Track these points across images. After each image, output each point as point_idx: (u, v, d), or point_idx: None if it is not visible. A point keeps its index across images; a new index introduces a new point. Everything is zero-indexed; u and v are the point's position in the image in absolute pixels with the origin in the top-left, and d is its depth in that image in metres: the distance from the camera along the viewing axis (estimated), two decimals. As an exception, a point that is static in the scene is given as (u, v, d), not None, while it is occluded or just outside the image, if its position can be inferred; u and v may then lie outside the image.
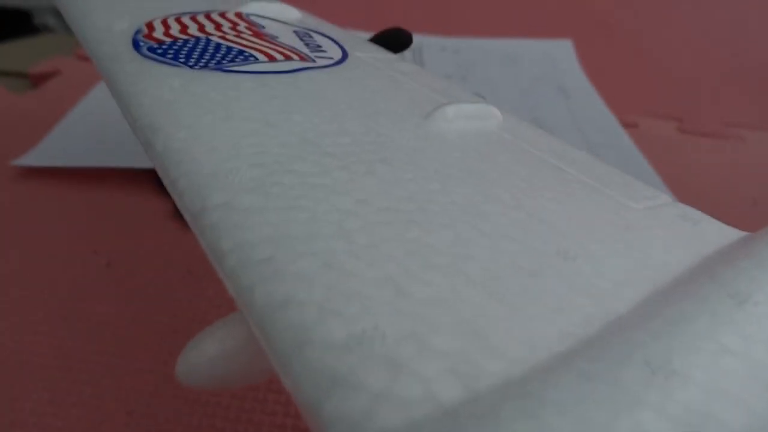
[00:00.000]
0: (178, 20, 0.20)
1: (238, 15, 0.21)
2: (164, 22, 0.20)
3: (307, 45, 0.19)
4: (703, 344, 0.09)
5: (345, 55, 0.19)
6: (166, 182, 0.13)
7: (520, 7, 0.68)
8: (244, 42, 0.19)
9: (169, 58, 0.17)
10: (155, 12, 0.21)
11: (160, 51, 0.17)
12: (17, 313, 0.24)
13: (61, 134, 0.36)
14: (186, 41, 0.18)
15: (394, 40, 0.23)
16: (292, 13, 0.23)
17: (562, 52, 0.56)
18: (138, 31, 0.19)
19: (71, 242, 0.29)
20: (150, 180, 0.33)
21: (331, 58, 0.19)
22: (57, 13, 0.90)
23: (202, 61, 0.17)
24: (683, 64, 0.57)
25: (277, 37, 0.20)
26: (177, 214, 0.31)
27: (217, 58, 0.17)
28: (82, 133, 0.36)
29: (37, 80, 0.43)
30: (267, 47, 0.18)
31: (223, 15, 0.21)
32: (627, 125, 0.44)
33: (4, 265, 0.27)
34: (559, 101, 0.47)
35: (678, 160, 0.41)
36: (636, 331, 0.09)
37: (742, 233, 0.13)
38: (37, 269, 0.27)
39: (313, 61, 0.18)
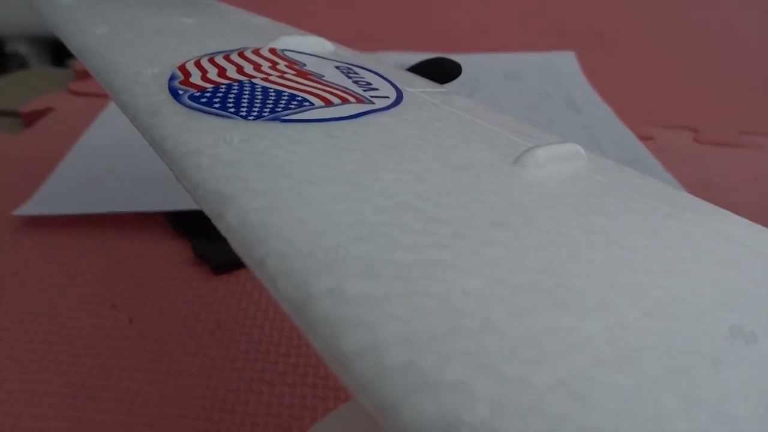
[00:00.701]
0: (212, 61, 0.18)
1: (273, 51, 0.20)
2: (198, 65, 0.18)
3: (356, 83, 0.18)
4: None
5: (399, 93, 0.18)
6: (247, 261, 0.11)
7: (519, 20, 0.68)
8: (292, 84, 0.17)
9: (216, 108, 0.15)
10: (185, 53, 0.19)
11: (204, 100, 0.16)
12: (34, 389, 0.22)
13: (61, 178, 0.34)
14: (229, 86, 0.16)
15: (440, 70, 0.21)
16: (326, 46, 0.22)
17: (565, 64, 0.55)
18: (173, 77, 0.17)
19: (86, 298, 0.26)
20: (162, 223, 0.31)
21: (387, 97, 0.17)
22: (30, 41, 0.88)
23: (254, 110, 0.15)
24: (690, 73, 0.56)
25: (323, 76, 0.18)
26: (198, 259, 0.29)
27: (269, 106, 0.15)
28: (83, 177, 0.34)
29: (30, 119, 0.41)
30: (318, 89, 0.17)
31: (257, 52, 0.19)
32: (643, 138, 0.44)
33: (17, 329, 0.25)
34: (571, 116, 0.46)
35: (698, 172, 0.41)
36: None
37: None
38: (53, 333, 0.25)
39: (371, 102, 0.16)
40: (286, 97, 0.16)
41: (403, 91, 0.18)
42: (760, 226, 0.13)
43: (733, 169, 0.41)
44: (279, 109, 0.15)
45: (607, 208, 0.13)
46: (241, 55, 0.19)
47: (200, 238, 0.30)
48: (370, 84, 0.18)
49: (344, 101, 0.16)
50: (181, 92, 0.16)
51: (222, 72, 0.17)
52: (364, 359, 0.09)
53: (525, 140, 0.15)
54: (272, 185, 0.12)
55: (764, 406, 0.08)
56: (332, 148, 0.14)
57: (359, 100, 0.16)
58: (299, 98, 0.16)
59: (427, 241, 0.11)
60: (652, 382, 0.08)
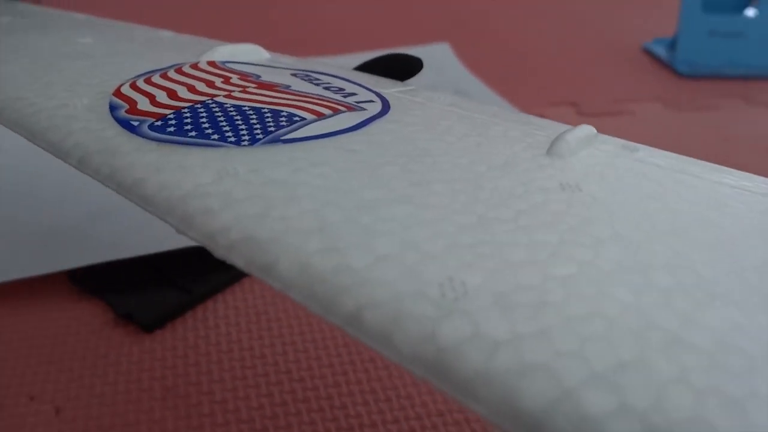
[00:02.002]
0: (150, 83, 0.15)
1: (212, 64, 0.17)
2: (137, 88, 0.15)
3: (329, 90, 0.16)
4: None
5: (381, 97, 0.16)
6: (330, 318, 0.09)
7: (383, 17, 0.68)
8: (266, 99, 0.14)
9: (193, 137, 0.12)
10: (109, 77, 0.15)
11: (171, 129, 0.13)
12: None
13: None
14: (193, 109, 0.14)
15: (400, 67, 0.20)
16: (262, 54, 0.19)
17: (443, 55, 0.55)
18: (114, 107, 0.14)
19: (-10, 393, 0.21)
20: (63, 284, 0.26)
21: (373, 102, 0.15)
22: None
23: (243, 133, 0.13)
24: (559, 52, 0.60)
25: (290, 86, 0.16)
26: (121, 319, 0.25)
27: (259, 127, 0.13)
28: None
29: None
30: (299, 101, 0.14)
31: (196, 67, 0.17)
32: (534, 118, 0.45)
33: None
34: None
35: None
36: None
37: None
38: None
39: (362, 109, 0.14)
40: (269, 115, 0.13)
41: (381, 93, 0.16)
42: None
43: (615, 134, 0.44)
44: (272, 129, 0.13)
45: (653, 187, 0.12)
46: (180, 71, 0.16)
47: (117, 293, 0.26)
48: (344, 90, 0.16)
49: (335, 111, 0.14)
50: (135, 123, 0.13)
51: (173, 94, 0.14)
52: (555, 412, 0.07)
53: (536, 129, 0.14)
54: (320, 219, 0.10)
55: None
56: (361, 164, 0.12)
57: (349, 108, 0.14)
58: (285, 114, 0.14)
59: (541, 254, 0.09)
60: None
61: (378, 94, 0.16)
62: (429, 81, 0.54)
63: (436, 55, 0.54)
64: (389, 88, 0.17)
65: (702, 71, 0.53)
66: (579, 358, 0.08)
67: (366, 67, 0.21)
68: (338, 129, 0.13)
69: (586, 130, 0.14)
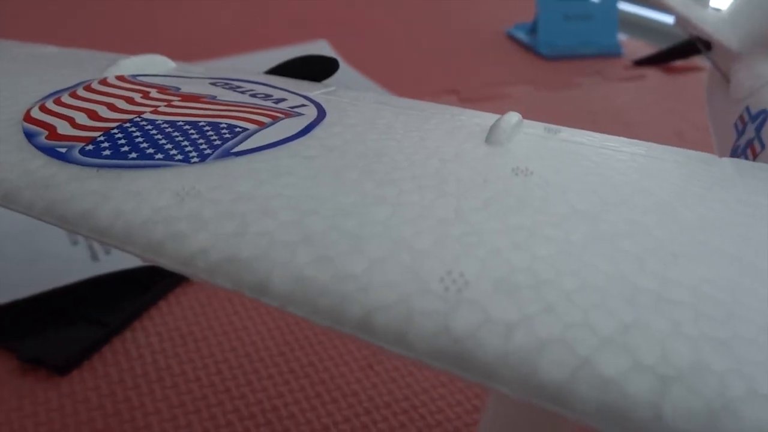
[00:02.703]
0: (61, 103, 0.14)
1: (122, 78, 0.16)
2: (49, 111, 0.13)
3: (256, 96, 0.15)
4: None
5: (312, 100, 0.16)
6: (337, 327, 0.09)
7: (257, 18, 0.66)
8: (197, 112, 0.14)
9: (134, 159, 0.12)
10: (9, 102, 0.14)
11: (107, 152, 0.12)
12: None
13: None
14: (123, 129, 0.13)
15: (315, 69, 0.20)
16: (168, 63, 0.18)
17: (321, 52, 0.55)
18: (31, 134, 0.12)
19: None
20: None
21: (306, 105, 0.15)
22: None
23: (188, 150, 0.12)
24: (435, 41, 0.62)
25: (215, 97, 0.15)
26: (28, 364, 0.22)
27: (202, 142, 0.12)
28: None
29: None
30: (233, 112, 0.14)
31: (105, 83, 0.15)
32: (421, 108, 0.47)
33: None
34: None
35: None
36: None
37: None
38: None
39: (299, 114, 0.14)
40: (208, 128, 0.13)
41: (310, 97, 0.16)
42: None
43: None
44: (218, 143, 0.12)
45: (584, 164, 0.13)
46: (90, 89, 0.15)
47: (19, 337, 0.23)
48: (272, 96, 0.16)
49: (275, 119, 0.14)
50: (63, 150, 0.12)
51: (93, 114, 0.13)
52: (577, 380, 0.08)
53: (465, 120, 0.15)
54: (303, 230, 0.10)
55: None
56: (323, 170, 0.12)
57: (286, 114, 0.14)
58: (224, 125, 0.13)
59: (521, 237, 0.10)
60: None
61: (307, 98, 0.16)
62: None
63: (315, 53, 0.54)
64: (312, 90, 0.17)
65: (561, 52, 0.58)
66: (586, 327, 0.08)
67: (279, 71, 0.20)
68: (285, 137, 0.13)
69: (515, 117, 0.15)
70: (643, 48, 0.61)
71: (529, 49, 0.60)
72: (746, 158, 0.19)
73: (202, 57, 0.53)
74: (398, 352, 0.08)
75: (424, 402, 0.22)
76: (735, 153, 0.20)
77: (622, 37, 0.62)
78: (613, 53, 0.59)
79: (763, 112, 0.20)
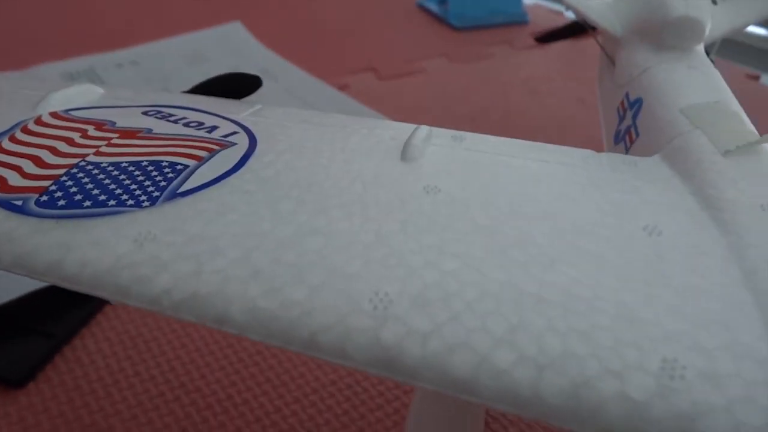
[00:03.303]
0: (3, 151, 0.15)
1: (56, 116, 0.17)
2: (-6, 161, 0.14)
3: (189, 126, 0.17)
4: None
5: (241, 125, 0.17)
6: (289, 347, 0.11)
7: (175, 2, 0.64)
8: (137, 150, 0.15)
9: (89, 207, 0.13)
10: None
11: (62, 202, 0.13)
12: None
13: None
14: (72, 176, 0.14)
15: (238, 86, 0.21)
16: (96, 91, 0.19)
17: (237, 35, 0.55)
18: (-18, 187, 0.13)
19: None
20: None
21: (237, 133, 0.17)
22: None
23: (137, 194, 0.13)
24: (348, 20, 0.62)
25: (152, 130, 0.16)
26: (-19, 384, 0.23)
27: (149, 184, 0.14)
28: None
29: None
30: (171, 147, 0.15)
31: (41, 122, 0.16)
32: (342, 88, 0.48)
33: None
34: (271, 84, 0.48)
35: (392, 103, 0.47)
36: None
37: None
38: None
39: (232, 143, 0.16)
40: (151, 168, 0.14)
41: (239, 122, 0.17)
42: None
43: (413, 93, 0.49)
44: (164, 184, 0.14)
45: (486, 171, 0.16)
46: (27, 131, 0.16)
47: (-34, 357, 0.24)
48: (204, 123, 0.17)
49: (211, 152, 0.15)
50: (18, 202, 0.13)
51: (38, 161, 0.14)
52: (479, 374, 0.10)
53: (383, 134, 0.17)
54: (251, 266, 0.12)
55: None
56: (262, 204, 0.13)
57: (220, 145, 0.16)
58: (166, 163, 0.14)
59: (432, 256, 0.12)
60: None
61: (237, 123, 0.17)
62: (231, 63, 0.54)
63: (231, 36, 0.54)
64: (240, 112, 0.18)
65: (471, 22, 0.60)
66: (483, 331, 0.11)
67: (202, 88, 0.21)
68: (223, 171, 0.14)
69: (424, 130, 0.17)
70: (546, 15, 0.64)
71: (440, 20, 0.62)
72: (625, 144, 0.22)
73: (117, 45, 0.51)
74: (340, 364, 0.11)
75: (367, 378, 0.25)
76: (617, 138, 0.23)
77: (527, 1, 0.65)
78: (520, 21, 0.62)
79: (638, 100, 0.23)
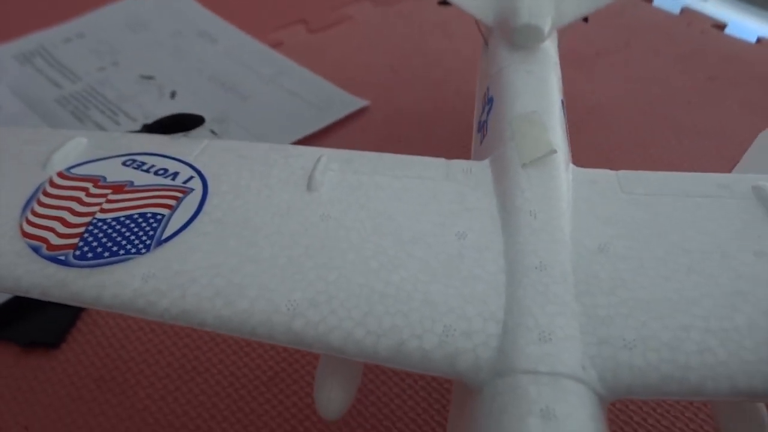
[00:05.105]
0: (38, 215, 0.22)
1: (63, 176, 0.24)
2: (35, 225, 0.22)
3: (158, 175, 0.24)
4: None
5: (194, 168, 0.24)
6: (245, 336, 0.19)
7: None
8: (126, 205, 0.22)
9: (107, 257, 0.20)
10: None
11: (90, 255, 0.21)
12: None
13: None
14: (89, 232, 0.21)
15: (184, 123, 0.28)
16: (81, 143, 0.26)
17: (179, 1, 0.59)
18: (35, 248, 0.21)
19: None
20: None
21: (192, 177, 0.24)
22: None
23: (135, 244, 0.21)
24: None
25: (133, 182, 0.23)
26: (24, 347, 0.31)
27: (141, 235, 0.21)
28: None
29: None
30: (148, 199, 0.22)
31: (54, 185, 0.23)
32: (275, 45, 0.53)
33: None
34: (210, 47, 0.53)
35: (323, 58, 0.53)
36: None
37: None
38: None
39: (190, 189, 0.23)
40: (141, 219, 0.22)
41: (192, 165, 0.24)
42: None
43: (340, 46, 0.55)
44: (152, 233, 0.21)
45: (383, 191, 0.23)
46: (47, 194, 0.23)
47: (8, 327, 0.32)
48: (167, 170, 0.24)
49: (177, 200, 0.23)
50: (62, 258, 0.21)
51: (64, 222, 0.22)
52: (347, 345, 0.19)
53: (295, 159, 0.24)
54: (213, 287, 0.20)
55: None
56: (217, 243, 0.21)
57: (183, 191, 0.23)
58: (149, 215, 0.22)
59: (323, 270, 0.20)
60: None
61: (192, 167, 0.24)
62: (172, 28, 0.59)
63: (173, 3, 0.58)
64: (192, 152, 0.25)
65: (393, -40, 0.64)
66: (349, 318, 0.19)
67: (157, 125, 0.28)
68: (188, 218, 0.22)
69: (323, 161, 0.24)
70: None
71: (365, -42, 0.65)
72: (482, 135, 0.29)
73: (62, 17, 0.55)
74: (270, 342, 0.19)
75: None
76: (479, 126, 0.31)
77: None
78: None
79: (491, 99, 0.30)
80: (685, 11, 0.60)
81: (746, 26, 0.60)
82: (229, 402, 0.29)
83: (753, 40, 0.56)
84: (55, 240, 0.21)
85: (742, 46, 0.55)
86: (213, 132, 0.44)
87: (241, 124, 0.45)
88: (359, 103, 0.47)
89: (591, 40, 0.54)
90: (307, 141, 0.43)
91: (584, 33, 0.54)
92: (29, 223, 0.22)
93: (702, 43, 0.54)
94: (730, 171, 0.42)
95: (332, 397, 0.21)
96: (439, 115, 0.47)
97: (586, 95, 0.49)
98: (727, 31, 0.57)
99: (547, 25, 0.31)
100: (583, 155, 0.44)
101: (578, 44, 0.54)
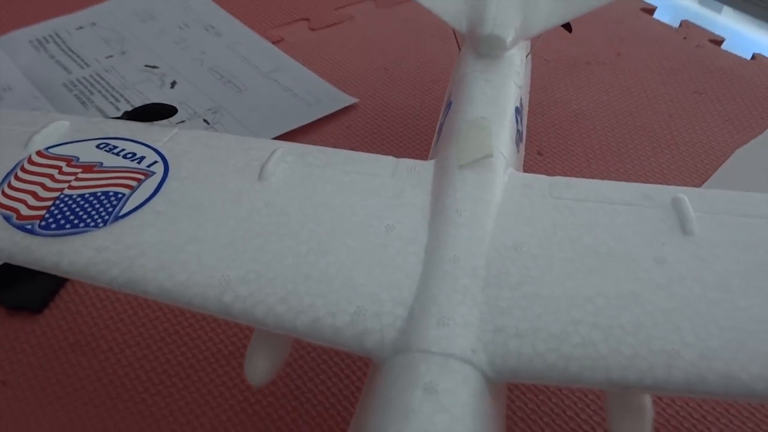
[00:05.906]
0: (12, 187, 0.24)
1: (41, 154, 0.26)
2: (8, 196, 0.24)
3: (126, 158, 0.26)
4: None
5: (158, 152, 0.26)
6: (214, 314, 0.21)
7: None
8: (92, 183, 0.25)
9: (69, 228, 0.23)
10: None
11: (53, 225, 0.23)
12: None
13: None
14: (56, 205, 0.24)
15: (158, 112, 0.30)
16: (63, 125, 0.28)
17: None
18: (7, 217, 0.23)
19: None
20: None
21: (156, 161, 0.26)
22: None
23: (95, 218, 0.23)
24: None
25: (102, 164, 0.26)
26: (13, 311, 0.34)
27: (101, 210, 0.24)
28: None
29: None
30: (113, 179, 0.25)
31: (32, 162, 0.26)
32: (276, 42, 0.56)
33: None
34: (215, 41, 0.55)
35: (322, 56, 0.55)
36: None
37: None
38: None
39: (152, 173, 0.25)
40: (103, 197, 0.24)
41: (158, 150, 0.27)
42: None
43: (339, 45, 0.57)
44: (111, 209, 0.24)
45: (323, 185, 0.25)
46: (24, 170, 0.25)
47: (-1, 293, 0.35)
48: (135, 154, 0.26)
49: (138, 181, 0.25)
50: (29, 226, 0.23)
51: (35, 195, 0.24)
52: (267, 318, 0.21)
53: (256, 151, 0.26)
54: (158, 261, 0.22)
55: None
56: (169, 220, 0.23)
57: (145, 174, 0.25)
58: (112, 193, 0.24)
59: (260, 251, 0.22)
60: None
61: (157, 152, 0.27)
62: (180, 20, 0.61)
63: None
64: (161, 138, 0.28)
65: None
66: (274, 294, 0.21)
67: (135, 114, 0.30)
68: (145, 198, 0.24)
69: (279, 152, 0.26)
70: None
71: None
72: (438, 137, 0.31)
73: (76, 6, 0.58)
74: (202, 312, 0.21)
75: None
76: (438, 128, 0.32)
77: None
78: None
79: (450, 103, 0.31)
80: (684, 24, 0.60)
81: (745, 42, 0.60)
82: (190, 371, 0.32)
83: (749, 56, 0.56)
84: (25, 211, 0.24)
85: (735, 62, 0.55)
86: (206, 122, 0.47)
87: (234, 116, 0.47)
88: (348, 100, 0.49)
89: (584, 48, 0.56)
90: (292, 135, 0.45)
91: (578, 41, 0.55)
92: (5, 195, 0.24)
93: (694, 57, 0.55)
94: (700, 185, 0.43)
95: (258, 366, 0.23)
96: (425, 115, 0.49)
97: (571, 100, 0.50)
98: (725, 46, 0.58)
99: (509, 36, 0.33)
100: (560, 158, 0.45)
101: (570, 51, 0.55)
